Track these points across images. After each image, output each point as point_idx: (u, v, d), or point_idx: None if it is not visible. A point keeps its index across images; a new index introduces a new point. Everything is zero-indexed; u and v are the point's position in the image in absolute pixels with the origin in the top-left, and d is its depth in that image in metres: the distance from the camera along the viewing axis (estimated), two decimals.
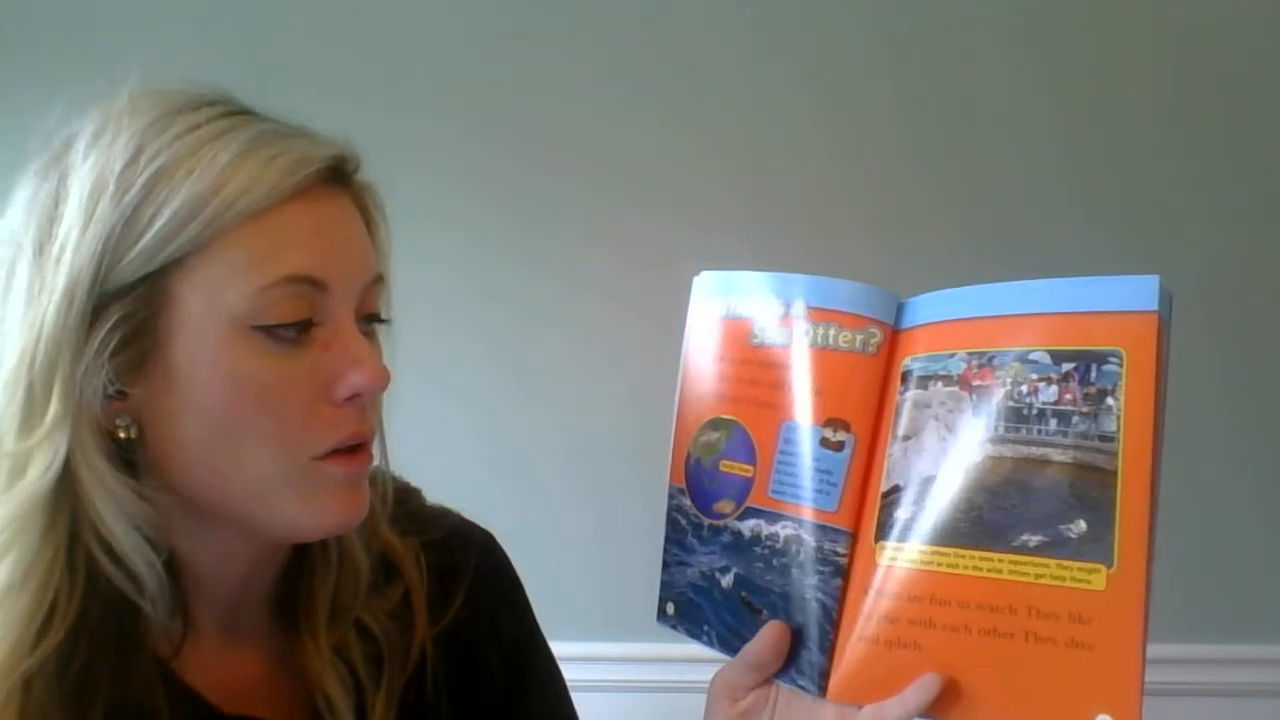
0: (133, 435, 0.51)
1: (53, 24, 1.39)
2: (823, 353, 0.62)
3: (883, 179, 1.38)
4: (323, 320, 0.53)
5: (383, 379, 0.55)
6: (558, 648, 0.75)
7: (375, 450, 0.59)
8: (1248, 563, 1.36)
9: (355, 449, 0.55)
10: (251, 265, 0.50)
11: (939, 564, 0.55)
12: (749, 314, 0.66)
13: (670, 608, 0.67)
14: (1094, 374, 0.53)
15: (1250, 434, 1.36)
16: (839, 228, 1.37)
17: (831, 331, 0.62)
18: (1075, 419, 0.53)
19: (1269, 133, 1.33)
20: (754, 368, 0.65)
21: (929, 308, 0.60)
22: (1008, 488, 0.54)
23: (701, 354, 0.68)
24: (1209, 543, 1.35)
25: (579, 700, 0.76)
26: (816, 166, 1.39)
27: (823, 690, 0.58)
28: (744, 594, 0.62)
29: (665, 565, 0.68)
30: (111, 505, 0.50)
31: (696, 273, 0.70)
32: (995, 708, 0.53)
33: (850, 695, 0.57)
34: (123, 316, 0.49)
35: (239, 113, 0.54)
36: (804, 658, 0.58)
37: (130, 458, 0.52)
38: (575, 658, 0.87)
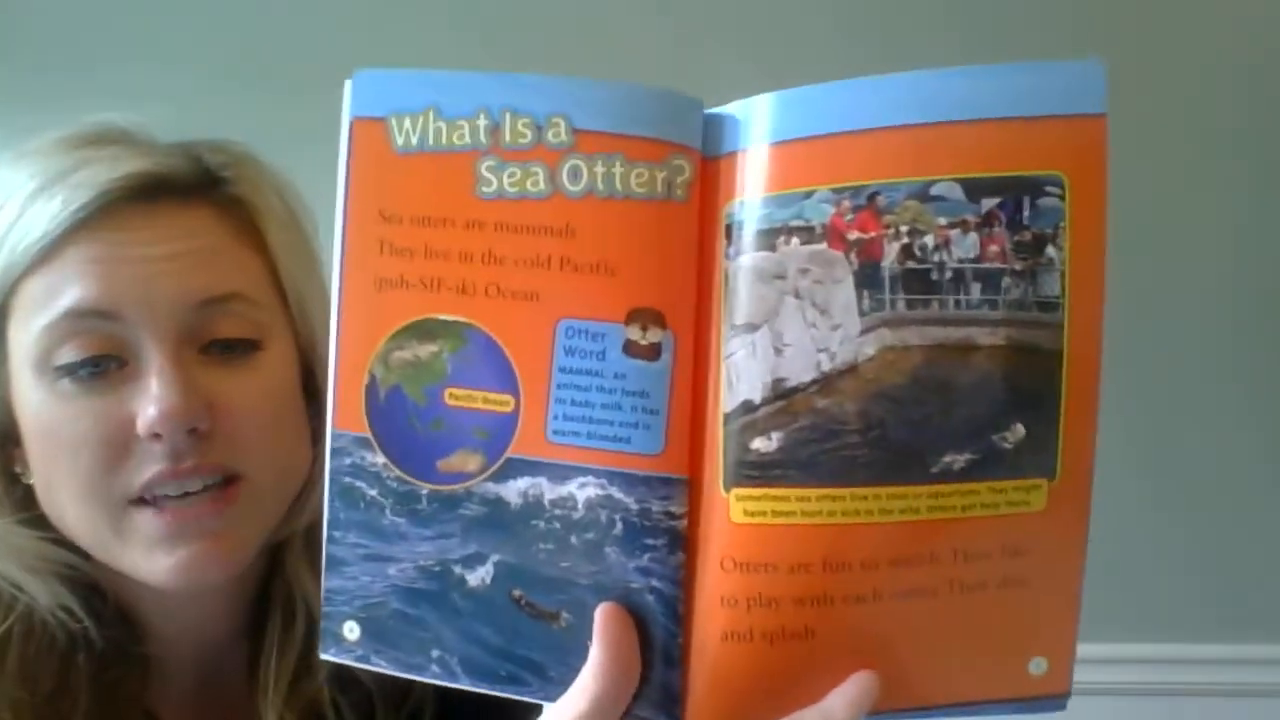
0: (29, 480, 0.51)
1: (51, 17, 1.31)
2: (606, 203, 0.38)
3: None
4: (134, 353, 0.49)
5: (173, 418, 0.47)
6: None
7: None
8: (1256, 561, 1.30)
9: (182, 496, 0.49)
10: (38, 304, 0.48)
11: (831, 513, 0.38)
12: (467, 144, 0.39)
13: (351, 630, 0.42)
14: (1027, 213, 0.37)
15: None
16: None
17: (616, 167, 0.38)
18: (1005, 281, 0.37)
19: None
20: (489, 234, 0.39)
21: (761, 119, 0.39)
22: (920, 390, 0.37)
23: (379, 216, 0.40)
24: (1211, 540, 1.29)
25: None
26: None
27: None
28: (517, 593, 0.40)
29: (334, 565, 0.42)
30: (1, 547, 0.50)
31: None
32: (921, 687, 0.39)
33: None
34: None
35: (84, 145, 0.51)
36: (644, 676, 0.39)
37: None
38: None
